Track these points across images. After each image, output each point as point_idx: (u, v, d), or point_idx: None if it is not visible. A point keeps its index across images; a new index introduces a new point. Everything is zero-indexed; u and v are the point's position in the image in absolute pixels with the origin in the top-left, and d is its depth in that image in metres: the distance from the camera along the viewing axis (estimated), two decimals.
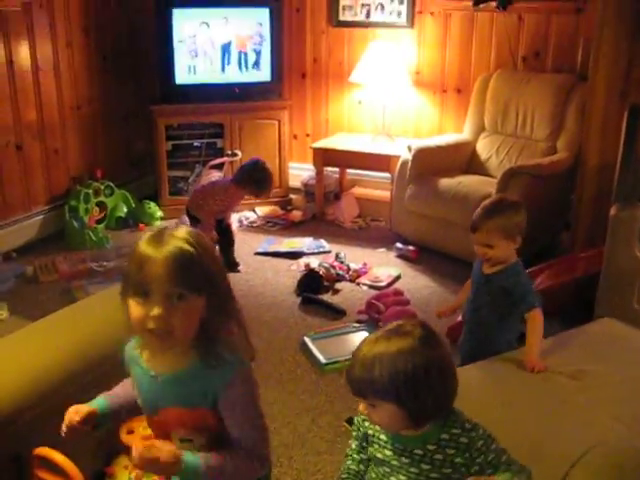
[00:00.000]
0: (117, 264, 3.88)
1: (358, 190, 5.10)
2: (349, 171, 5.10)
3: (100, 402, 1.50)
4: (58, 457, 1.46)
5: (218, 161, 4.29)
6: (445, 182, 4.08)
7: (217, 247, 3.92)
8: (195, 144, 4.77)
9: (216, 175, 4.25)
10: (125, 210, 4.65)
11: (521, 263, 2.33)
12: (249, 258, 4.18)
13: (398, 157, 4.38)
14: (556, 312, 2.95)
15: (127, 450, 1.78)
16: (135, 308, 1.27)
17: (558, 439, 1.76)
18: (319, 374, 2.89)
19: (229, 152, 4.56)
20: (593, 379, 2.01)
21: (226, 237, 3.99)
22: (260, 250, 4.27)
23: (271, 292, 3.72)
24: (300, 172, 5.18)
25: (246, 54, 4.75)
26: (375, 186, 5.05)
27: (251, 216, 4.85)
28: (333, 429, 2.53)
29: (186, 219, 4.05)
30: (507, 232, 2.25)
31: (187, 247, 1.25)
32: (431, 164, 4.26)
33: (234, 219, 4.59)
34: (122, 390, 1.55)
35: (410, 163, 4.20)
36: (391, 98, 4.81)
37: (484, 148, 4.43)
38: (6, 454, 1.58)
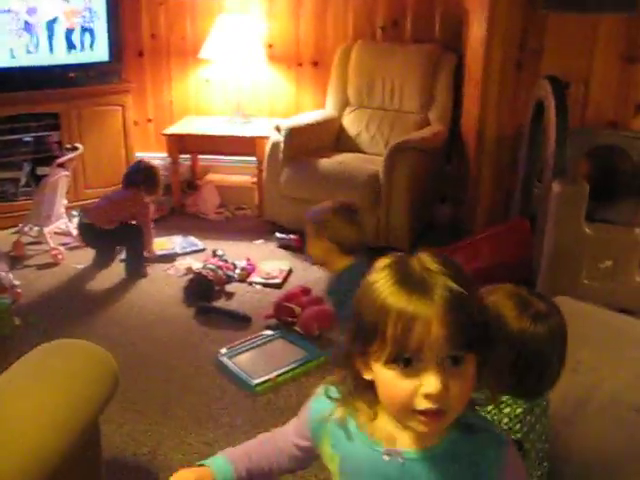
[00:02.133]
0: None
1: (214, 177, 4.67)
2: (201, 157, 4.66)
3: (220, 465, 1.12)
4: None
5: (65, 158, 3.64)
6: (325, 163, 3.82)
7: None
8: (25, 139, 4.02)
9: (62, 174, 3.63)
10: None
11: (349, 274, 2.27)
12: (112, 267, 3.62)
13: (263, 138, 4.06)
14: None
15: None
16: (394, 379, 0.91)
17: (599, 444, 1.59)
18: (251, 397, 2.51)
19: (68, 146, 3.88)
20: (591, 369, 1.87)
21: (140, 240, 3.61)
22: (124, 257, 3.68)
23: (154, 305, 3.22)
24: None
25: (75, 31, 4.08)
26: (232, 171, 4.67)
27: None
28: None
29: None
30: (315, 227, 2.23)
31: (456, 286, 0.88)
32: (303, 144, 3.97)
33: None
34: (258, 451, 1.15)
35: (282, 145, 3.87)
36: (242, 75, 4.43)
37: (352, 123, 4.22)
38: None
